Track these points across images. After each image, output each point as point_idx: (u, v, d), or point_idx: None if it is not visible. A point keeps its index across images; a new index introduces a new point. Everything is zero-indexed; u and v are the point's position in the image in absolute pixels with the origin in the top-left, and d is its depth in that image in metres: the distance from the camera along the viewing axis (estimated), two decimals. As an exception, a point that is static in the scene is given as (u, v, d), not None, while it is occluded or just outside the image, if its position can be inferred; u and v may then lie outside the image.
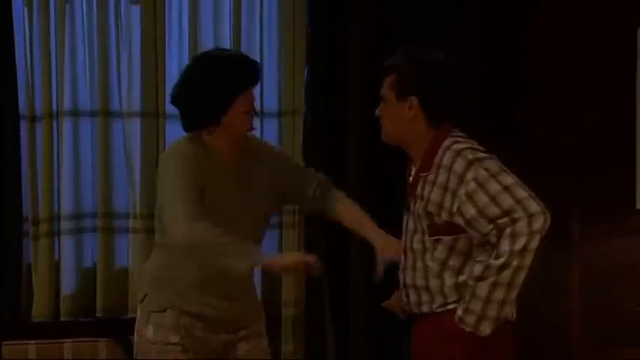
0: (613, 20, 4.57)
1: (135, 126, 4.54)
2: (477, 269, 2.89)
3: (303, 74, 4.62)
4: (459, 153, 2.92)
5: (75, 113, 4.53)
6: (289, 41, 4.61)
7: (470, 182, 2.87)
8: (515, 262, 2.83)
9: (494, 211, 2.87)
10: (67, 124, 4.51)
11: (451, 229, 2.97)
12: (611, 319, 4.45)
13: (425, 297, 3.07)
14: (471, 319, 2.91)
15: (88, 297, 4.53)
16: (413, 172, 3.08)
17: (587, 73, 4.62)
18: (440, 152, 2.96)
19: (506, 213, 2.84)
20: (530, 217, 2.83)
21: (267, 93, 4.61)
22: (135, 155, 4.54)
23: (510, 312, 2.92)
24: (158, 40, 4.51)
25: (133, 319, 3.45)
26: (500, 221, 2.85)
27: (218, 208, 3.11)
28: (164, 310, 3.17)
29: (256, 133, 3.99)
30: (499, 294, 2.87)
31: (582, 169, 4.59)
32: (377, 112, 3.07)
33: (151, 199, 4.38)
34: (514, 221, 2.81)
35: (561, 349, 4.53)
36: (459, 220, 2.93)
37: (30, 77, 4.43)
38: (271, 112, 4.64)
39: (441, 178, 2.95)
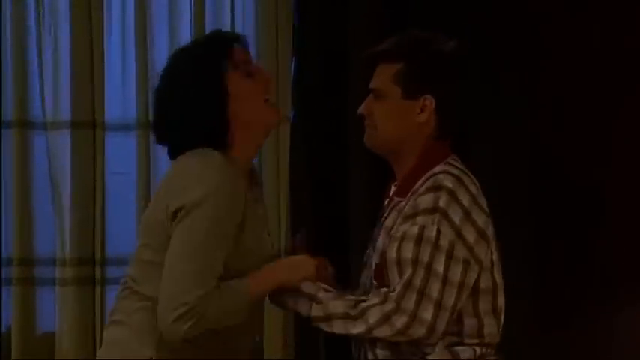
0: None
1: (63, 140, 4.21)
2: (341, 306, 2.65)
3: (288, 72, 4.31)
4: (437, 189, 2.64)
5: (-18, 125, 4.29)
6: (270, 31, 4.29)
7: (415, 227, 2.62)
8: (362, 331, 2.62)
9: (407, 271, 2.61)
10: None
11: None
12: None
13: None
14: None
15: (0, 372, 4.28)
16: (391, 193, 2.85)
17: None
18: (424, 178, 2.70)
19: (406, 287, 2.58)
20: (414, 320, 2.57)
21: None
22: (64, 179, 4.21)
23: None
24: (94, 29, 4.19)
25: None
26: (395, 291, 2.59)
27: (251, 253, 2.76)
28: None
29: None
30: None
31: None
32: (362, 108, 2.78)
33: (86, 240, 4.20)
34: (399, 309, 2.57)
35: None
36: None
37: None
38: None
39: (408, 207, 2.71)
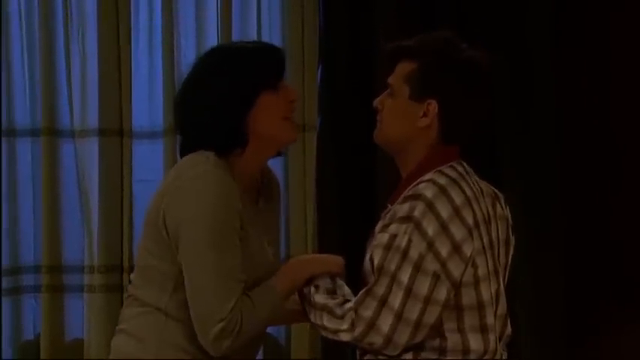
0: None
1: (91, 147, 4.21)
2: (327, 299, 2.62)
3: (314, 78, 4.27)
4: (416, 198, 2.55)
5: (11, 132, 4.21)
6: (296, 35, 4.26)
7: (387, 234, 2.54)
8: (332, 329, 2.58)
9: (373, 278, 2.56)
10: (-1, 146, 4.21)
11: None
12: None
13: None
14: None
15: (29, 381, 4.27)
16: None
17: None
18: (412, 185, 2.62)
19: (366, 294, 2.52)
20: (372, 329, 2.51)
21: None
22: (91, 187, 4.20)
23: None
24: (121, 37, 4.19)
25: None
26: (356, 298, 2.57)
27: (248, 262, 2.69)
28: None
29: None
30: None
31: None
32: (376, 102, 2.73)
33: (114, 247, 4.20)
34: (357, 316, 2.54)
35: None
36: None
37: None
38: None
39: (388, 216, 2.63)
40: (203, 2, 4.19)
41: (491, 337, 2.54)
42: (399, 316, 2.48)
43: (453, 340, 2.52)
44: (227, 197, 2.59)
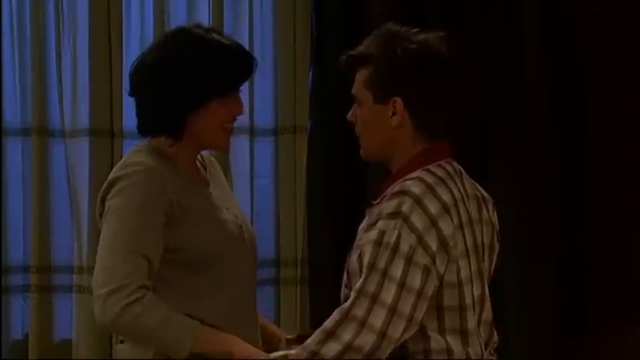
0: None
1: (81, 148, 4.18)
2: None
3: (306, 79, 4.26)
4: (403, 194, 2.51)
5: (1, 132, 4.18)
6: (288, 35, 4.25)
7: (375, 231, 2.51)
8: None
9: (363, 276, 2.50)
10: (-12, 146, 4.17)
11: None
12: None
13: None
14: None
15: (17, 382, 4.21)
16: None
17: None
18: (397, 182, 2.58)
19: (358, 293, 2.47)
20: (363, 327, 2.45)
21: (259, 103, 4.24)
22: (82, 187, 4.17)
23: None
24: (112, 33, 4.17)
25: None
26: (348, 301, 2.50)
27: (208, 222, 2.76)
28: None
29: (244, 157, 4.11)
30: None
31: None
32: (349, 116, 2.71)
33: None
34: (346, 318, 2.48)
35: None
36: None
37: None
38: (264, 128, 4.26)
39: (375, 214, 2.59)
40: (195, 5, 4.17)
41: (474, 341, 2.52)
42: (392, 310, 2.45)
43: (435, 340, 2.50)
44: (144, 181, 2.63)
